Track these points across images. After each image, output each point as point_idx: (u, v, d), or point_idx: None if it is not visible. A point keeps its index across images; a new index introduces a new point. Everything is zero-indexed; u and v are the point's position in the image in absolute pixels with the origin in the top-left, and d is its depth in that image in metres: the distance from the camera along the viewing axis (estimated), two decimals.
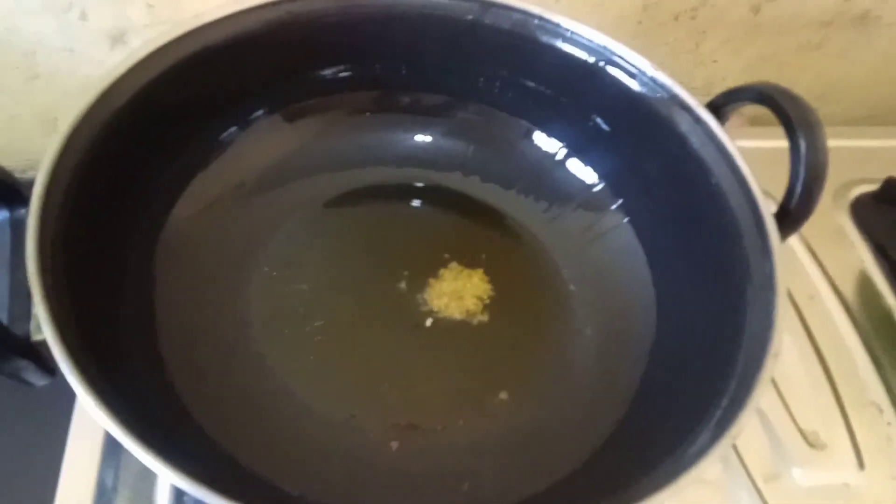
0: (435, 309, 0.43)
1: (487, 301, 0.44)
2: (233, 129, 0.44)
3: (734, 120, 0.41)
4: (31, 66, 0.49)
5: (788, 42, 0.59)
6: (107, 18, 0.47)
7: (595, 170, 0.47)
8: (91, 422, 0.39)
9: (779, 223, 0.36)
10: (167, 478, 0.26)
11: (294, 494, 0.34)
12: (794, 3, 0.56)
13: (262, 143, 0.45)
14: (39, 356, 0.29)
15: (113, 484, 0.38)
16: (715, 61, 0.60)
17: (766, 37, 0.58)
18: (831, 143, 0.35)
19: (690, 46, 0.58)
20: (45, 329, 0.27)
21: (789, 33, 0.59)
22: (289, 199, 0.45)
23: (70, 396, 0.40)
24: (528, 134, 0.48)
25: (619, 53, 0.41)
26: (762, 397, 0.31)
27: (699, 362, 0.37)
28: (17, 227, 0.32)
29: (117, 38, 0.48)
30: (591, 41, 0.41)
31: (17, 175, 0.32)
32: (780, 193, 0.37)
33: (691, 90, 0.40)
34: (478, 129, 0.48)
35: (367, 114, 0.48)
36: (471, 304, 0.43)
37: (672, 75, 0.41)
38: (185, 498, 0.38)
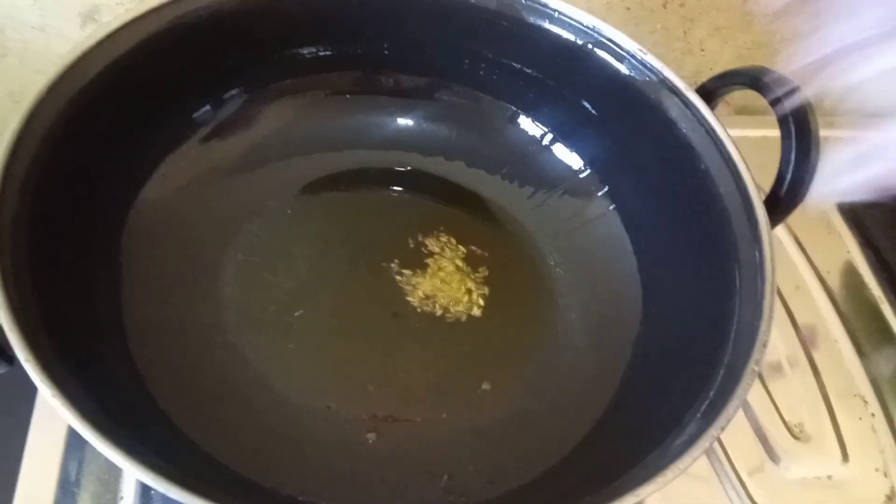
0: (415, 298, 0.42)
1: (470, 290, 0.43)
2: (207, 108, 0.43)
3: (721, 109, 0.40)
4: (2, 43, 0.47)
5: (778, 31, 0.59)
6: None
7: (581, 155, 0.46)
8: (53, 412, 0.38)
9: (768, 210, 0.36)
10: (131, 472, 0.25)
11: (265, 486, 0.33)
12: None
13: (237, 124, 0.44)
14: None
15: (76, 477, 0.36)
16: (702, 51, 0.60)
17: (756, 25, 0.58)
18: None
19: (679, 34, 0.58)
20: (1, 315, 0.26)
21: (779, 22, 0.58)
22: (265, 182, 0.44)
23: (32, 385, 0.38)
24: (514, 118, 0.47)
25: (607, 35, 0.41)
26: (750, 388, 0.30)
27: (686, 351, 0.36)
28: None
29: (88, 16, 0.47)
30: (579, 22, 0.41)
31: None
32: (766, 184, 0.36)
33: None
34: (462, 112, 0.47)
35: (348, 95, 0.46)
36: (453, 293, 0.42)
37: None
38: (153, 492, 0.37)
